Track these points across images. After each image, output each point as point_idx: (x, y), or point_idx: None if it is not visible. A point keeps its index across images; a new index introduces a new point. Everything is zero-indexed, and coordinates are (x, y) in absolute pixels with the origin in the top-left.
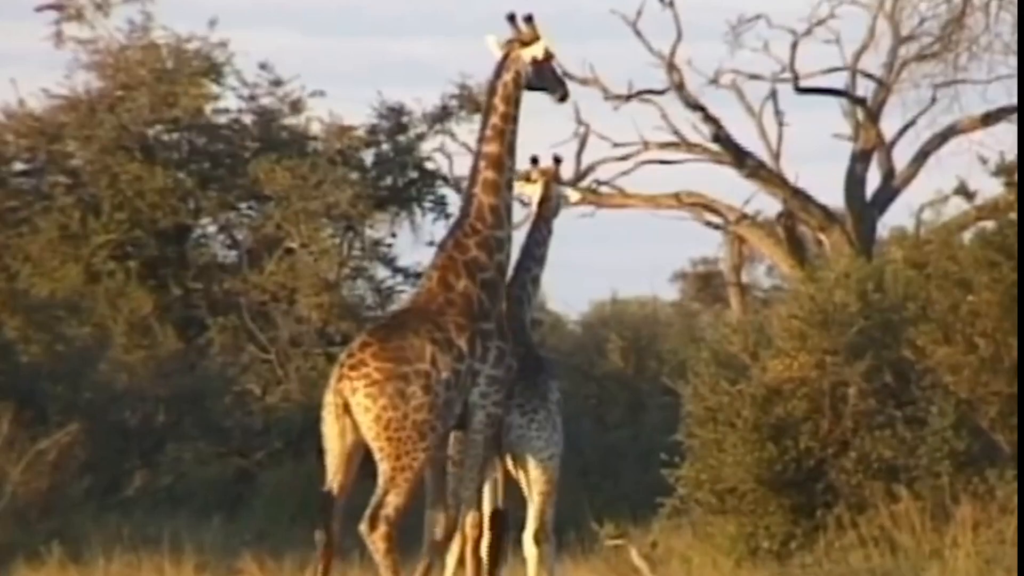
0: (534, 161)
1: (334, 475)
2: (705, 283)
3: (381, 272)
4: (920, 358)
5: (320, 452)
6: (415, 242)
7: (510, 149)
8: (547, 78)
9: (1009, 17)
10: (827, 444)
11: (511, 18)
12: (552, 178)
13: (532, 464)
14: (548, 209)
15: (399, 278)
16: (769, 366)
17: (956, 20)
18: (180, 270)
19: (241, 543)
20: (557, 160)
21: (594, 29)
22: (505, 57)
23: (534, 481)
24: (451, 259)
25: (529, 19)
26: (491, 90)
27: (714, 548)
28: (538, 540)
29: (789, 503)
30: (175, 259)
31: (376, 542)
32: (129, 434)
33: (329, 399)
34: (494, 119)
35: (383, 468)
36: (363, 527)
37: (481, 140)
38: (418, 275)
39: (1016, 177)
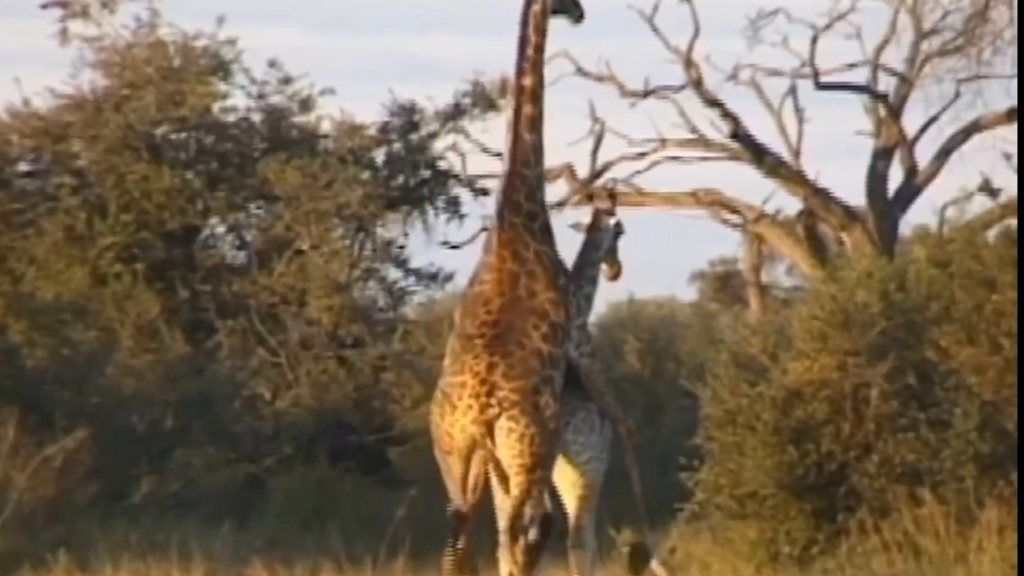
0: (590, 197)
1: (469, 497)
2: (724, 283)
3: (393, 273)
4: (944, 359)
5: (333, 457)
6: (427, 242)
7: (542, 80)
8: (566, 1)
9: None
10: (849, 447)
11: None
12: (604, 212)
13: (569, 468)
14: (597, 238)
15: (411, 279)
16: (789, 368)
17: (979, 14)
18: (188, 272)
19: (251, 550)
20: (612, 195)
21: (610, 25)
22: None
23: (571, 486)
24: (512, 226)
25: None
26: (524, 20)
27: (734, 554)
28: (575, 546)
29: (810, 507)
30: (183, 261)
31: (519, 555)
32: (137, 439)
33: (467, 420)
34: (529, 51)
35: (519, 480)
36: (503, 540)
37: (520, 74)
38: (431, 276)
39: None
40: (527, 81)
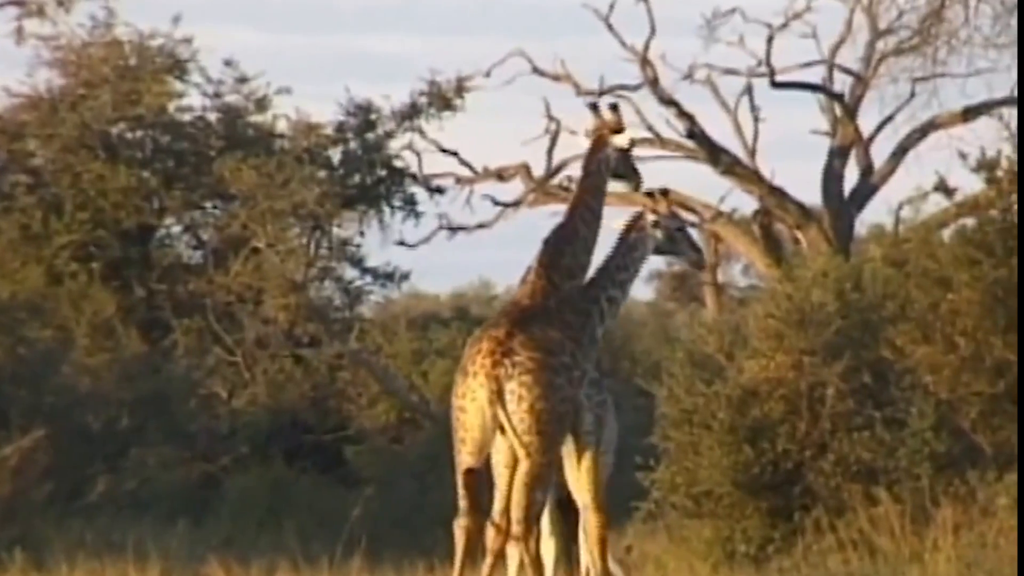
0: (650, 195)
1: (473, 463)
2: (680, 282)
3: (349, 272)
4: (899, 358)
5: (289, 456)
6: (384, 241)
7: (600, 203)
8: (627, 167)
9: (988, 10)
10: (805, 446)
11: (594, 107)
12: (652, 211)
13: (586, 463)
14: (633, 238)
15: (367, 278)
16: (745, 367)
17: (935, 13)
18: (144, 271)
19: (207, 549)
20: (664, 192)
21: (566, 24)
22: (599, 140)
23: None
24: (552, 259)
25: (615, 108)
26: (588, 160)
27: (690, 552)
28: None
29: (766, 506)
30: (139, 260)
31: (532, 545)
32: (92, 438)
33: (476, 384)
34: (591, 179)
35: (528, 465)
36: (518, 530)
37: (582, 190)
38: (388, 275)
39: (997, 173)
40: (589, 199)
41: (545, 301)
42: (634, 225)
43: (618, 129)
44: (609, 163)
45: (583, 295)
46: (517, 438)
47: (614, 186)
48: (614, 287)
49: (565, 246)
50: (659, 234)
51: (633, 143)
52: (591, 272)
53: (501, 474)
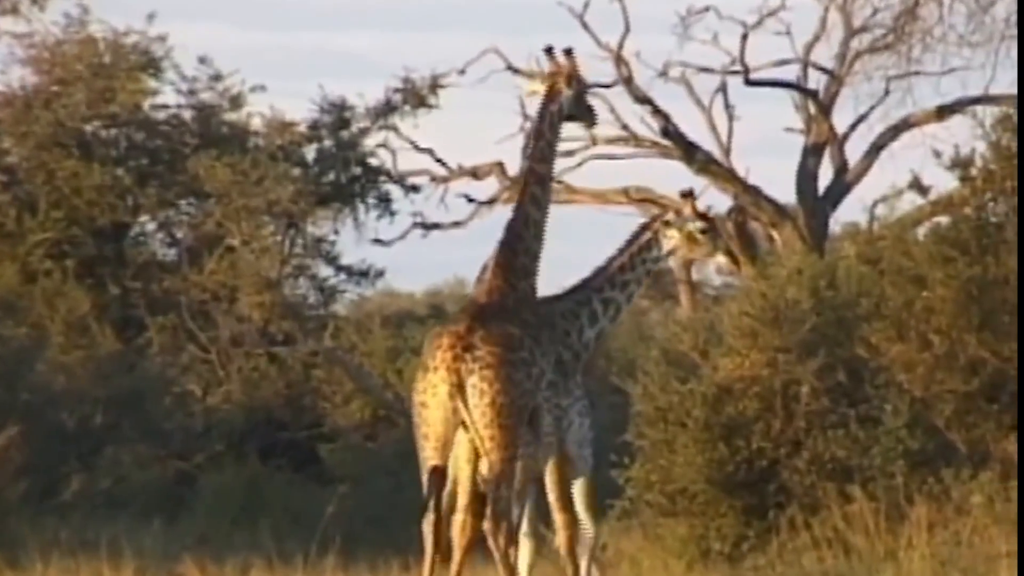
0: (686, 195)
1: (437, 459)
2: (654, 280)
3: (324, 270)
4: (874, 356)
5: (264, 454)
6: (358, 239)
7: (551, 169)
8: (581, 108)
9: (963, 8)
10: (779, 444)
11: (549, 51)
12: (677, 212)
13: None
14: (645, 239)
15: (342, 276)
16: (720, 365)
17: (909, 11)
18: (118, 269)
19: (182, 547)
20: (688, 194)
21: (540, 21)
22: (551, 89)
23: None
24: (508, 260)
25: (568, 52)
26: (540, 116)
27: (664, 550)
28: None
29: (741, 504)
30: (113, 258)
31: (500, 540)
32: (67, 436)
33: (438, 378)
34: (542, 143)
35: (491, 460)
36: (488, 526)
37: (531, 159)
38: (362, 273)
39: (971, 171)
40: (539, 167)
41: (503, 299)
42: (648, 226)
43: (573, 75)
44: (562, 112)
45: (569, 293)
46: (478, 432)
47: (596, 184)
48: (612, 288)
49: (518, 244)
50: (674, 236)
51: (587, 85)
52: (590, 271)
53: (462, 468)
